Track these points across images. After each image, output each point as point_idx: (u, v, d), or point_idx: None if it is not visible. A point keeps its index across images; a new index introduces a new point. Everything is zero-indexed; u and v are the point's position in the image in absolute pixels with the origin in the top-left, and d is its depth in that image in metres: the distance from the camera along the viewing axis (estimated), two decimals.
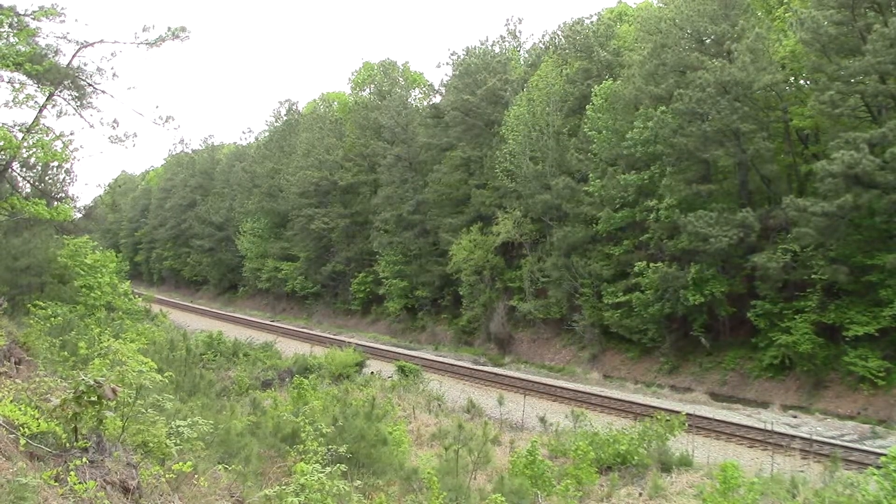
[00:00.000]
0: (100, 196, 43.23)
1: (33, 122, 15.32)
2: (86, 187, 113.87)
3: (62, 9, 14.05)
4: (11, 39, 13.45)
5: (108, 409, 5.83)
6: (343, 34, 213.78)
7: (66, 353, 10.92)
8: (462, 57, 44.84)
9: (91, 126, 16.34)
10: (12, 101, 13.94)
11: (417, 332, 44.71)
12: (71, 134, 16.10)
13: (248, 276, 63.77)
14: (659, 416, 17.74)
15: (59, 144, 14.50)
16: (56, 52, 15.97)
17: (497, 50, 45.45)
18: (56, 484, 4.82)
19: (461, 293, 40.62)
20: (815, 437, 19.34)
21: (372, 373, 27.64)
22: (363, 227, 51.50)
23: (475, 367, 33.28)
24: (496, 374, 31.39)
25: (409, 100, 51.30)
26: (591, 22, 39.93)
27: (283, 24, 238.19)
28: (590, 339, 33.36)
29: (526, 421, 22.50)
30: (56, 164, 23.05)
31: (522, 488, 11.54)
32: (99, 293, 18.89)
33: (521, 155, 36.24)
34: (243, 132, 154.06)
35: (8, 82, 13.99)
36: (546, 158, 35.60)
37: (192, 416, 7.78)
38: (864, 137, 22.61)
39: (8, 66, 13.03)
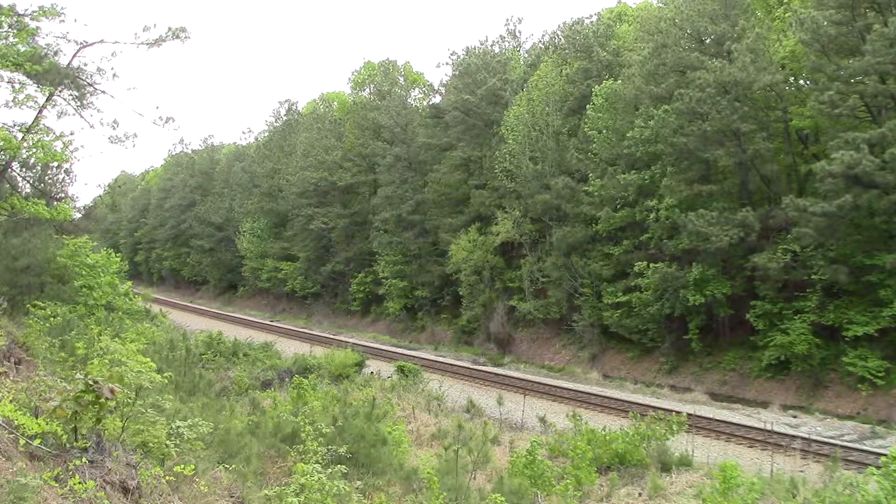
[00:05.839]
0: (99, 196, 43.16)
1: (33, 122, 15.31)
2: (86, 187, 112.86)
3: (62, 9, 14.06)
4: (11, 39, 13.45)
5: (107, 409, 5.83)
6: (343, 34, 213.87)
7: (65, 353, 10.91)
8: (462, 57, 44.81)
9: (91, 126, 16.34)
10: (12, 101, 13.95)
11: (417, 332, 44.70)
12: (71, 134, 16.06)
13: (248, 276, 63.77)
14: (653, 416, 17.73)
15: (59, 145, 14.51)
16: (56, 52, 15.95)
17: (497, 50, 45.42)
18: (56, 484, 4.81)
19: (461, 293, 40.60)
20: (814, 437, 19.35)
21: (371, 373, 27.63)
22: (363, 227, 51.48)
23: (475, 367, 33.26)
24: (496, 374, 31.38)
25: (408, 100, 51.27)
26: (591, 22, 39.89)
27: (283, 24, 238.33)
28: (589, 339, 33.35)
29: (526, 421, 22.50)
30: (56, 164, 23.02)
31: (522, 488, 11.54)
32: (99, 293, 18.87)
33: (521, 155, 36.23)
34: (243, 132, 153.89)
35: (8, 82, 14.00)
36: (546, 158, 35.59)
37: (191, 417, 7.78)
38: (863, 137, 22.60)
39: (8, 66, 13.03)
